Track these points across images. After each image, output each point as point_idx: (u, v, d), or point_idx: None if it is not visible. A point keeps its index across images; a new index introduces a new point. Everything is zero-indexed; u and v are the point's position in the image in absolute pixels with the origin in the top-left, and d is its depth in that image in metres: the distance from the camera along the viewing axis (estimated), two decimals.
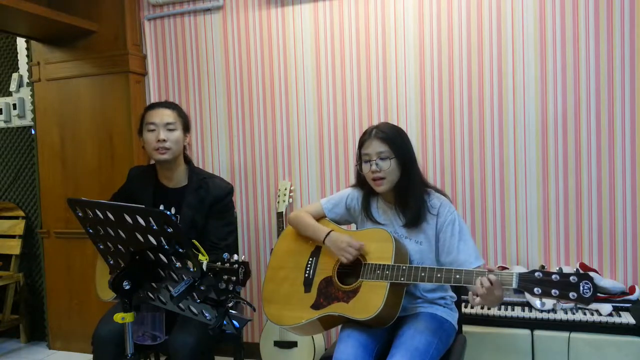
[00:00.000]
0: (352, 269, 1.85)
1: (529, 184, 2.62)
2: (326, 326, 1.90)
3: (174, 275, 1.45)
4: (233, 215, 2.37)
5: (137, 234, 1.45)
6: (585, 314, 2.32)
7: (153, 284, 1.54)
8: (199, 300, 1.43)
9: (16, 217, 3.65)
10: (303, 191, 3.01)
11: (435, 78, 2.74)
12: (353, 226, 2.12)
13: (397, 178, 1.86)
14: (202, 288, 1.39)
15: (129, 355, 1.49)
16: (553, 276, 1.45)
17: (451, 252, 1.81)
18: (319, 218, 2.04)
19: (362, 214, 1.98)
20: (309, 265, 1.93)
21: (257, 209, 3.11)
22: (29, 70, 3.40)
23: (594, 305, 2.36)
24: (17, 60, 3.68)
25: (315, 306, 1.84)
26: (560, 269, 1.48)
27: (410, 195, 1.86)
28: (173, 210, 2.19)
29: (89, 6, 3.18)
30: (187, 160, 2.31)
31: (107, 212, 1.49)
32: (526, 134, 2.62)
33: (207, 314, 1.48)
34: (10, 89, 3.68)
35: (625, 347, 2.21)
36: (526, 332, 2.33)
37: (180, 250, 1.38)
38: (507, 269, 2.60)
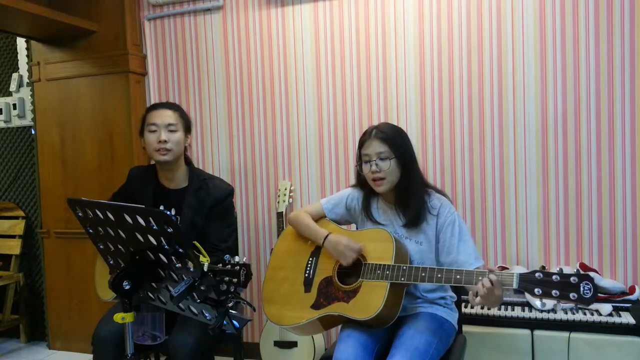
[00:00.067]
0: (352, 269, 1.85)
1: (529, 184, 2.62)
2: (326, 326, 1.90)
3: (174, 275, 1.45)
4: (233, 216, 2.37)
5: (137, 234, 1.45)
6: (585, 314, 2.32)
7: (153, 284, 1.54)
8: (199, 300, 1.43)
9: (16, 217, 3.65)
10: (303, 191, 3.01)
11: (435, 78, 2.74)
12: (353, 226, 2.12)
13: (397, 178, 1.86)
14: (202, 288, 1.39)
15: (129, 355, 1.49)
16: (553, 277, 1.45)
17: (451, 252, 1.81)
18: (319, 218, 2.04)
19: (363, 214, 1.98)
20: (309, 265, 1.93)
21: (257, 209, 3.11)
22: (29, 70, 3.40)
23: (594, 305, 2.35)
24: (17, 60, 3.68)
25: (316, 306, 1.84)
26: (561, 269, 1.48)
27: (410, 196, 1.86)
28: (173, 212, 2.19)
29: (89, 6, 3.18)
30: (188, 162, 2.31)
31: (107, 212, 1.49)
32: (526, 134, 2.62)
33: (207, 314, 1.48)
34: (10, 89, 3.68)
35: (625, 347, 2.21)
36: (526, 332, 2.33)
37: (180, 250, 1.38)
38: (507, 269, 2.60)
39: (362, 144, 1.90)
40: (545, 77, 2.58)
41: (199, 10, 3.13)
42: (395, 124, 2.08)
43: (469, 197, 2.71)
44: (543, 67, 2.58)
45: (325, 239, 1.90)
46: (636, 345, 2.20)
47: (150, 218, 1.38)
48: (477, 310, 2.41)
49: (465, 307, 2.44)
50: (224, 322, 1.42)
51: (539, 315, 2.34)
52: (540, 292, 1.46)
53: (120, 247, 1.55)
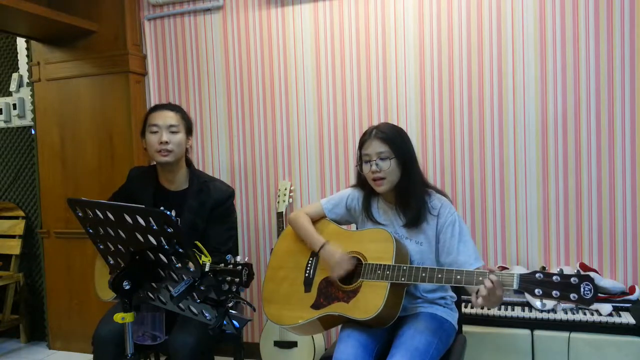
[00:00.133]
0: (353, 269, 1.85)
1: (529, 184, 2.62)
2: (326, 326, 1.90)
3: (174, 275, 1.45)
4: (234, 218, 2.36)
5: (137, 234, 1.45)
6: (585, 314, 2.32)
7: (153, 284, 1.54)
8: (199, 300, 1.43)
9: (16, 217, 3.65)
10: (303, 191, 3.01)
11: (435, 78, 2.74)
12: (353, 226, 2.12)
13: (397, 178, 1.86)
14: (202, 288, 1.39)
15: (129, 355, 1.49)
16: (554, 277, 1.45)
17: (451, 252, 1.81)
18: (320, 218, 2.04)
19: (363, 214, 1.98)
20: (309, 265, 1.93)
21: (257, 209, 3.11)
22: (29, 70, 3.40)
23: (594, 305, 2.35)
24: (17, 60, 3.68)
25: (316, 306, 1.84)
26: (561, 269, 1.48)
27: (410, 196, 1.86)
28: (173, 213, 2.19)
29: (89, 6, 3.18)
30: (189, 163, 2.30)
31: (107, 212, 1.49)
32: (526, 134, 2.62)
33: (207, 314, 1.48)
34: (10, 89, 3.68)
35: (625, 347, 2.21)
36: (526, 332, 2.33)
37: (180, 250, 1.38)
38: (507, 269, 2.60)
39: (362, 144, 1.90)
40: (545, 77, 2.58)
41: (199, 10, 3.13)
42: (395, 124, 2.08)
43: (469, 197, 2.71)
44: (543, 67, 2.58)
45: (321, 248, 1.90)
46: (636, 345, 2.20)
47: (150, 218, 1.38)
48: (477, 310, 2.41)
49: (465, 307, 2.44)
50: (224, 322, 1.42)
51: (539, 315, 2.34)
52: (541, 292, 1.46)
53: (120, 247, 1.55)
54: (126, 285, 1.41)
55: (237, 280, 1.41)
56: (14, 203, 3.70)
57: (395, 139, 1.85)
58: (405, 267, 1.72)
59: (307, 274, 1.92)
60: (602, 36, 2.50)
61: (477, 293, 1.60)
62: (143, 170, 2.38)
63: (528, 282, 1.49)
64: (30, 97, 3.44)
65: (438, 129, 2.75)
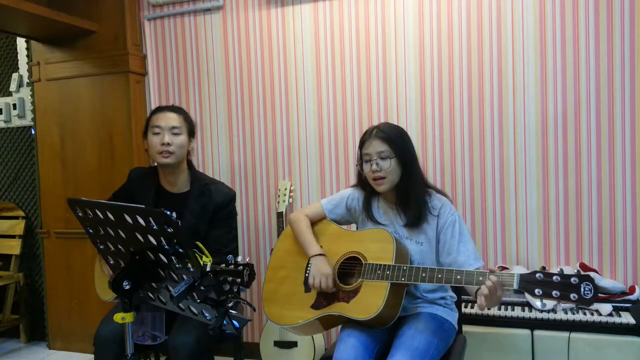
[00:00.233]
0: (353, 269, 1.85)
1: (529, 184, 2.62)
2: (326, 326, 1.90)
3: (174, 275, 1.45)
4: (236, 221, 2.36)
5: (137, 234, 1.45)
6: (585, 314, 2.32)
7: (153, 284, 1.54)
8: (199, 300, 1.43)
9: (16, 217, 3.65)
10: (303, 191, 3.01)
11: (435, 78, 2.74)
12: (353, 226, 2.12)
13: (397, 178, 1.86)
14: (202, 288, 1.39)
15: (129, 355, 1.49)
16: (554, 277, 1.45)
17: (451, 253, 1.81)
18: (320, 219, 2.04)
19: (363, 214, 1.98)
20: (309, 265, 1.93)
21: (257, 209, 3.11)
22: (29, 70, 3.40)
23: (594, 305, 2.35)
24: (17, 60, 3.68)
25: (316, 306, 1.84)
26: (561, 269, 1.48)
27: (411, 196, 1.86)
28: (174, 215, 2.18)
29: (89, 6, 3.18)
30: (190, 166, 2.30)
31: (107, 212, 1.49)
32: (526, 134, 2.62)
33: (207, 314, 1.48)
34: (10, 89, 3.68)
35: (625, 347, 2.21)
36: (526, 332, 2.33)
37: (180, 250, 1.38)
38: (507, 269, 2.60)
39: (362, 143, 1.90)
40: (545, 77, 2.58)
41: (199, 10, 3.13)
42: (396, 124, 2.08)
43: (469, 197, 2.71)
44: (543, 67, 2.58)
45: (313, 257, 1.89)
46: (636, 345, 2.20)
47: (150, 218, 1.38)
48: (477, 310, 2.41)
49: (465, 307, 2.44)
50: (224, 322, 1.42)
51: (539, 315, 2.34)
52: (541, 292, 1.46)
53: (120, 247, 1.55)
54: (126, 285, 1.42)
55: (238, 280, 1.41)
56: (14, 203, 3.70)
57: (395, 139, 1.85)
58: (405, 267, 1.72)
59: (307, 274, 1.92)
60: (602, 36, 2.50)
61: (476, 293, 1.60)
62: (144, 171, 2.38)
63: (528, 282, 1.49)
64: (30, 97, 3.44)
65: (438, 129, 2.75)
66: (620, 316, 2.27)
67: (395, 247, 1.77)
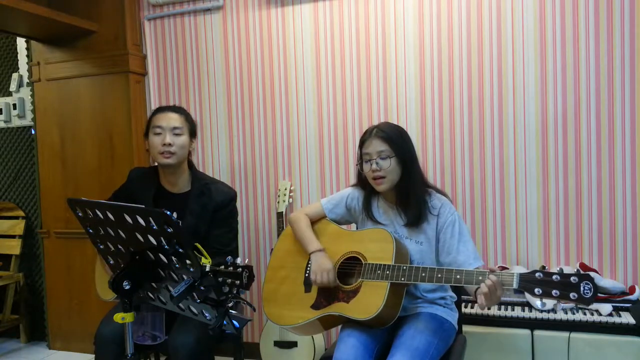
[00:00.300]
0: (353, 269, 1.85)
1: (529, 184, 2.62)
2: (326, 326, 1.90)
3: (174, 275, 1.45)
4: (236, 221, 2.35)
5: (137, 234, 1.45)
6: (585, 314, 2.32)
7: (153, 284, 1.54)
8: (199, 300, 1.43)
9: (16, 217, 3.65)
10: (303, 191, 3.01)
11: (435, 78, 2.74)
12: (353, 226, 2.12)
13: (397, 177, 1.86)
14: (202, 288, 1.39)
15: (129, 355, 1.49)
16: (554, 277, 1.45)
17: (450, 252, 1.81)
18: (320, 218, 2.04)
19: (363, 213, 1.98)
20: (309, 265, 1.93)
21: (257, 209, 3.11)
22: (29, 70, 3.40)
23: (594, 305, 2.35)
24: (17, 60, 3.68)
25: (316, 306, 1.84)
26: (561, 269, 1.48)
27: (411, 195, 1.86)
28: (175, 215, 2.18)
29: (89, 6, 3.18)
30: (191, 166, 2.30)
31: (107, 212, 1.49)
32: (526, 134, 2.62)
33: (207, 314, 1.48)
34: (10, 89, 3.68)
35: (625, 347, 2.21)
36: (526, 332, 2.33)
37: (180, 250, 1.38)
38: (507, 269, 2.60)
39: (362, 143, 1.90)
40: (545, 77, 2.58)
41: (199, 10, 3.13)
42: (396, 123, 2.08)
43: (469, 197, 2.71)
44: (543, 67, 2.58)
45: (313, 252, 1.90)
46: (636, 345, 2.20)
47: (150, 218, 1.38)
48: (477, 310, 2.41)
49: (465, 307, 2.44)
50: (224, 322, 1.42)
51: (539, 315, 2.34)
52: (541, 292, 1.46)
53: (120, 247, 1.55)
54: (126, 285, 1.42)
55: (237, 282, 1.41)
56: (14, 203, 3.70)
57: (395, 138, 1.85)
58: (405, 267, 1.72)
59: (307, 274, 1.92)
60: (602, 36, 2.50)
61: (476, 292, 1.60)
62: (144, 171, 2.37)
63: (528, 282, 1.49)
64: (30, 97, 3.44)
65: (438, 129, 2.75)
66: (620, 316, 2.27)
67: (395, 247, 1.77)
